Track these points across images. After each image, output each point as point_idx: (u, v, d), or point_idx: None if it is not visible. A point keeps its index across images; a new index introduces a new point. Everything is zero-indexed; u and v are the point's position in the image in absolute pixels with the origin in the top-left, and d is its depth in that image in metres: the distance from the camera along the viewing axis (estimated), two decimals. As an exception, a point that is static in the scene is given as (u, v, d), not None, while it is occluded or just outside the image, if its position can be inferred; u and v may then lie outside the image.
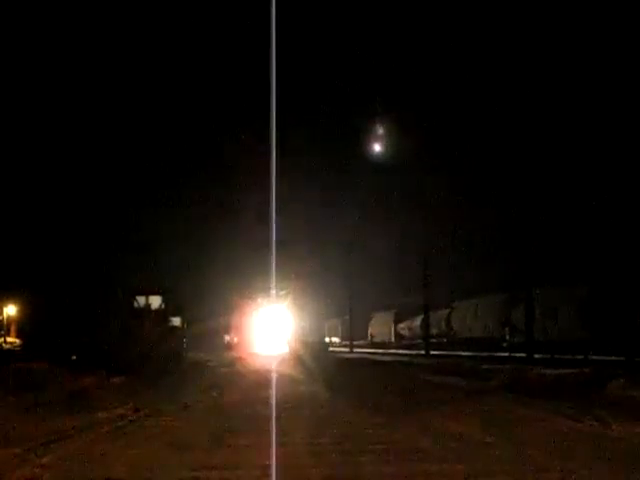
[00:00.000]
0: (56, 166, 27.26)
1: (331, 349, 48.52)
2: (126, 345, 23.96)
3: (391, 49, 35.70)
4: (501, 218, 38.22)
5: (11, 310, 40.58)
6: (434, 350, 43.69)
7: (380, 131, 35.22)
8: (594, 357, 29.66)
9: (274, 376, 23.45)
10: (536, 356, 29.71)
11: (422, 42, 34.90)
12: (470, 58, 33.60)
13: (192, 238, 38.14)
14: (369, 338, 68.95)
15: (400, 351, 49.31)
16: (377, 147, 36.14)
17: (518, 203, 32.85)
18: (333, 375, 22.60)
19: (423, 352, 42.63)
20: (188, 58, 34.47)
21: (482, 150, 35.76)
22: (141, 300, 29.25)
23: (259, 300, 40.27)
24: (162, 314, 29.83)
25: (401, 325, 61.75)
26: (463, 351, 43.28)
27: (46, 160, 27.31)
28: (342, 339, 66.80)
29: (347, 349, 54.85)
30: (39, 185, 27.21)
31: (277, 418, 11.49)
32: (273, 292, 35.32)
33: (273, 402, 13.50)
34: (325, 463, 7.55)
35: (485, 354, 37.64)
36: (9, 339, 37.61)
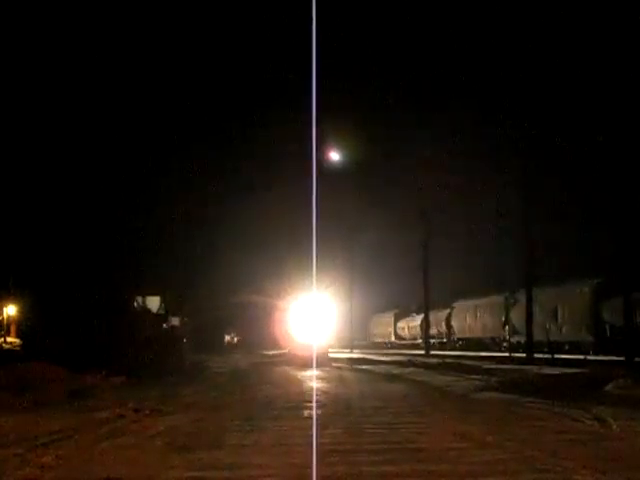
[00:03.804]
0: (55, 166, 27.22)
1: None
2: (126, 345, 23.95)
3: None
4: (501, 217, 38.18)
5: (11, 310, 40.56)
6: (434, 350, 43.71)
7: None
8: (594, 357, 29.68)
9: (276, 376, 23.48)
10: (536, 355, 29.72)
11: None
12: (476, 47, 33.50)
13: (194, 238, 38.09)
14: (370, 338, 68.96)
15: (400, 351, 49.31)
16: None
17: (518, 202, 32.84)
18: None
19: (423, 352, 42.62)
20: (204, 66, 34.47)
21: (481, 148, 35.73)
22: (141, 301, 29.28)
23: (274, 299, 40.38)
24: (162, 314, 29.87)
25: (401, 325, 61.78)
26: (463, 351, 43.32)
27: (45, 160, 27.28)
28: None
29: (347, 350, 54.79)
30: (39, 185, 27.18)
31: (278, 418, 11.50)
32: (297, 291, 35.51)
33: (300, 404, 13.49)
34: (325, 463, 7.54)
35: (485, 354, 37.67)
36: (9, 339, 37.58)
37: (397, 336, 62.48)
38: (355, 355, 43.42)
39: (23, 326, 32.83)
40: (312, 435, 9.53)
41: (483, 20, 33.04)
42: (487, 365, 25.21)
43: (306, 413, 12.22)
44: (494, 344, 43.94)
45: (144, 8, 29.86)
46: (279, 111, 34.86)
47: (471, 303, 47.84)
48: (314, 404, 13.51)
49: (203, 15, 32.70)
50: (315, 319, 36.18)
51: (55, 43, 27.28)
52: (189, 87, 33.49)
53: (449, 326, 51.88)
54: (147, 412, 12.47)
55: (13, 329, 39.77)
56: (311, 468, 7.29)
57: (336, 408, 12.96)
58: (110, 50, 28.65)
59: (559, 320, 36.84)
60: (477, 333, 46.89)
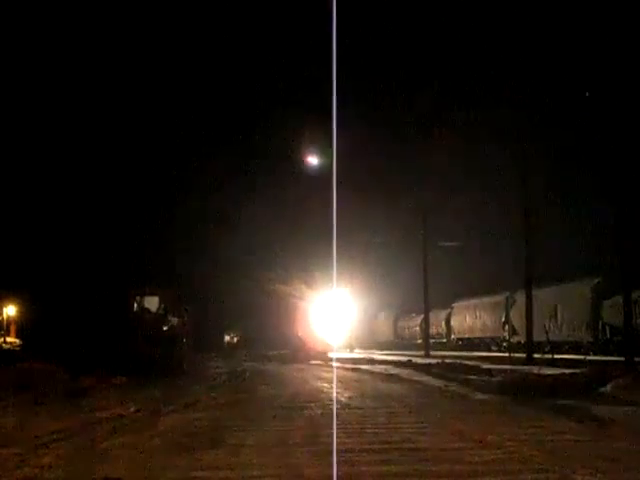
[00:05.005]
0: (56, 169, 27.27)
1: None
2: (126, 345, 23.97)
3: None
4: (500, 217, 38.20)
5: (11, 310, 40.60)
6: (434, 350, 43.66)
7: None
8: (594, 357, 29.65)
9: (275, 376, 23.49)
10: (536, 355, 29.68)
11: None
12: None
13: (194, 238, 38.11)
14: (369, 338, 68.84)
15: (400, 351, 49.27)
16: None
17: (516, 202, 32.77)
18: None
19: (423, 352, 42.58)
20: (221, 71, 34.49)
21: (481, 147, 35.74)
22: (139, 300, 29.23)
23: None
24: (161, 314, 29.81)
25: (401, 325, 61.76)
26: (463, 351, 43.29)
27: (45, 162, 27.31)
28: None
29: (347, 349, 54.79)
30: (39, 186, 27.22)
31: (277, 418, 11.51)
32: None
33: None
34: (325, 463, 7.54)
35: (485, 354, 37.64)
36: (9, 339, 37.63)
37: (397, 336, 62.44)
38: (355, 355, 43.42)
39: (23, 326, 32.87)
40: (312, 435, 9.55)
41: (481, 23, 33.09)
42: (487, 365, 25.15)
43: (306, 413, 12.23)
44: (494, 344, 43.93)
45: (168, 12, 30.08)
46: (294, 113, 34.96)
47: (471, 303, 47.81)
48: (334, 401, 13.52)
49: (220, 22, 32.80)
50: (320, 319, 36.22)
51: (82, 47, 27.46)
52: (198, 90, 33.56)
53: (449, 326, 51.87)
54: (147, 412, 12.49)
55: (13, 329, 39.82)
56: (310, 468, 7.31)
57: (335, 408, 12.95)
58: (133, 53, 28.84)
59: (559, 320, 36.81)
60: (477, 333, 46.87)
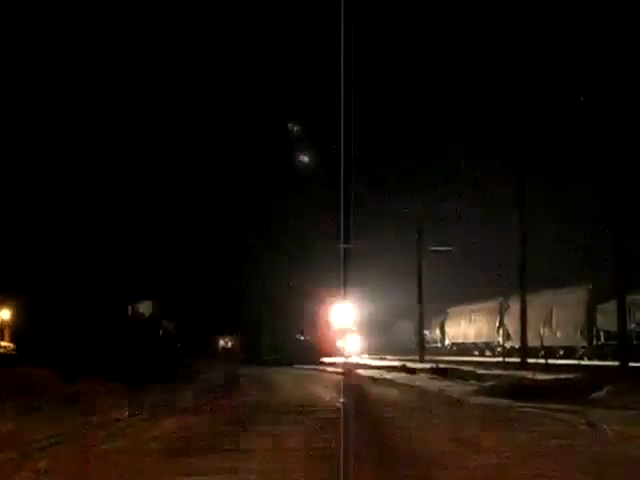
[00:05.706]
0: (51, 172, 27.22)
1: None
2: (120, 350, 23.93)
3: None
4: (497, 219, 38.20)
5: (5, 314, 40.46)
6: (428, 355, 43.68)
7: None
8: (589, 362, 29.71)
9: (271, 380, 23.48)
10: (530, 360, 29.72)
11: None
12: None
13: (188, 240, 38.03)
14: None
15: (395, 356, 49.23)
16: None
17: (514, 204, 32.83)
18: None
19: (417, 357, 42.58)
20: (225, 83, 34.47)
21: (478, 151, 35.75)
22: (135, 306, 29.25)
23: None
24: (155, 319, 29.85)
25: (396, 330, 61.70)
26: (457, 356, 43.33)
27: (41, 166, 27.26)
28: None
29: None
30: (34, 191, 27.17)
31: (272, 423, 11.51)
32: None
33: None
34: (318, 469, 7.55)
35: (479, 359, 37.69)
36: (3, 343, 37.50)
37: (392, 340, 62.35)
38: (355, 360, 43.36)
39: (17, 330, 32.77)
40: (308, 440, 9.55)
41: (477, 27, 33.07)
42: (481, 370, 25.20)
43: (300, 418, 12.22)
44: (488, 349, 43.97)
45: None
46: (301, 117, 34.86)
47: (465, 308, 47.84)
48: (329, 406, 13.52)
49: (220, 24, 32.74)
50: (324, 322, 36.12)
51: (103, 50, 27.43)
52: (189, 93, 33.50)
53: (443, 331, 51.91)
54: (142, 416, 12.48)
55: (7, 333, 39.67)
56: (306, 473, 7.32)
57: (330, 413, 12.96)
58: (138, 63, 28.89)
59: (553, 325, 36.86)
60: (471, 338, 46.91)
